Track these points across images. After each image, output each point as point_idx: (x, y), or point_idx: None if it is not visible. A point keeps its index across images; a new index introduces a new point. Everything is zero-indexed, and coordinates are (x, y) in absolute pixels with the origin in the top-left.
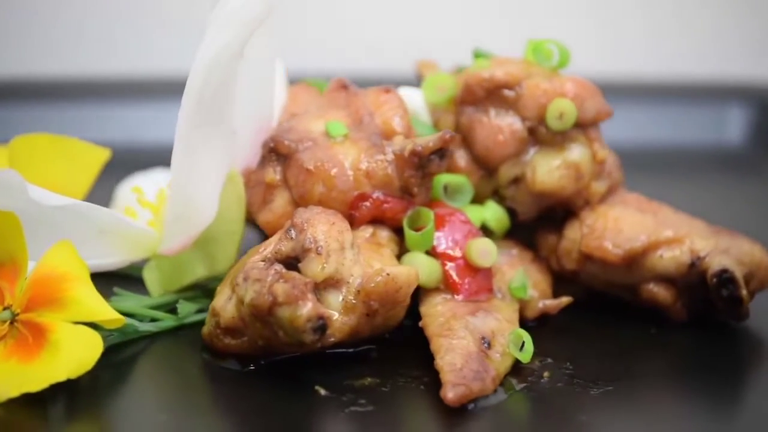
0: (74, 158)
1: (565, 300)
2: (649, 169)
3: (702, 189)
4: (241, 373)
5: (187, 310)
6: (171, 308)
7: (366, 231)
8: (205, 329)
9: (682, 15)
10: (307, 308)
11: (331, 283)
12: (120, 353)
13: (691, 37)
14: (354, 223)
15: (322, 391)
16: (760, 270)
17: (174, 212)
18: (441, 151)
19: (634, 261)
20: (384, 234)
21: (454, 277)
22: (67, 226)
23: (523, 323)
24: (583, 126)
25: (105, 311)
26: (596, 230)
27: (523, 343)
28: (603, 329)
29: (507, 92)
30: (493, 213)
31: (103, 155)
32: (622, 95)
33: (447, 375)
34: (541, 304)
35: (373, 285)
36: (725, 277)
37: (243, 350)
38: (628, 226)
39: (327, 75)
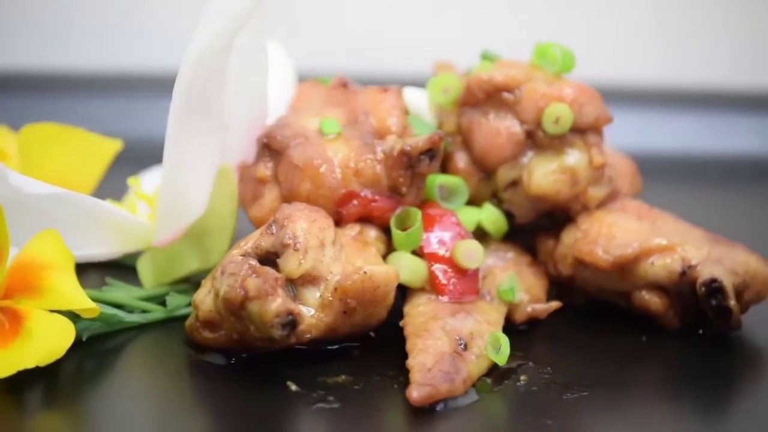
0: (84, 149)
1: (553, 305)
2: (688, 177)
3: (740, 199)
4: (220, 366)
5: (176, 302)
6: (162, 300)
7: (353, 229)
8: (188, 322)
9: (719, 21)
10: (276, 303)
11: (308, 279)
12: (106, 343)
13: (730, 44)
14: (342, 221)
15: (293, 387)
16: (756, 281)
17: (165, 204)
18: (431, 152)
19: (625, 268)
20: (371, 233)
21: (440, 277)
22: (55, 214)
23: (514, 327)
24: (582, 131)
25: (81, 300)
26: (589, 235)
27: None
28: (594, 336)
29: (506, 95)
30: (489, 215)
31: (113, 147)
32: (662, 102)
33: (415, 375)
34: (529, 308)
35: (350, 283)
36: (714, 287)
37: (220, 344)
38: (622, 232)
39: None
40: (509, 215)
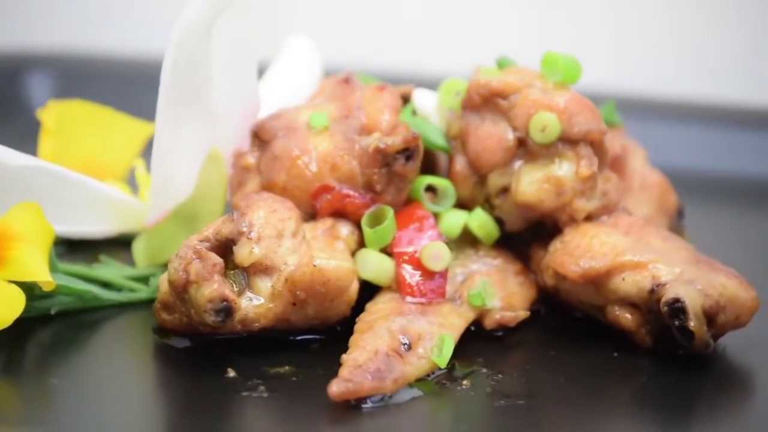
0: (114, 130)
1: (521, 314)
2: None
3: None
4: (176, 349)
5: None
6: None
7: (325, 224)
8: (155, 304)
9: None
10: (209, 289)
11: (260, 268)
12: (81, 318)
13: None
14: (316, 214)
15: (231, 373)
16: (733, 305)
17: (155, 185)
18: (407, 152)
19: (597, 282)
20: (344, 228)
21: (406, 277)
22: (40, 188)
23: (489, 333)
24: (572, 142)
25: (38, 273)
26: (568, 247)
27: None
28: (567, 348)
29: (501, 101)
30: (478, 220)
31: (146, 130)
32: (707, 119)
33: (343, 370)
34: (498, 315)
35: (299, 275)
36: (676, 307)
37: (176, 326)
38: (600, 246)
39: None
40: (501, 222)
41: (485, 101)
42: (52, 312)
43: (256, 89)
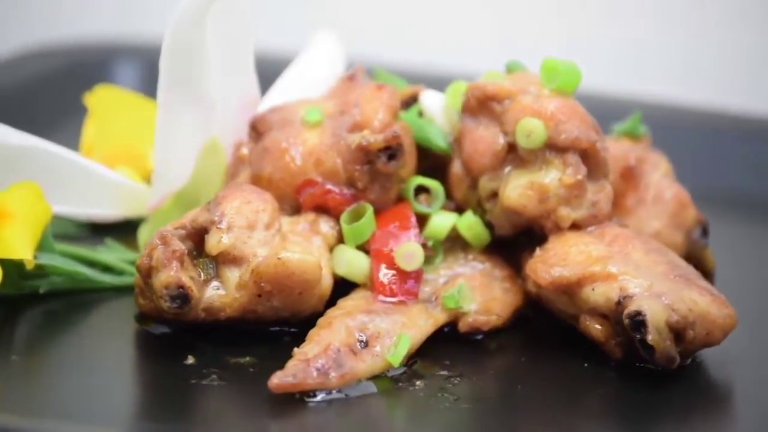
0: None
1: (494, 319)
2: None
3: None
4: (150, 335)
5: None
6: None
7: (307, 218)
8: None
9: None
10: (166, 275)
11: (230, 258)
12: (71, 299)
13: None
14: (300, 208)
15: (191, 360)
16: (703, 322)
17: (156, 170)
18: (390, 150)
19: (570, 290)
20: (326, 224)
21: (380, 276)
22: (42, 169)
23: (467, 337)
24: (560, 149)
25: (19, 251)
26: (546, 254)
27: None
28: (540, 355)
29: (495, 105)
30: (467, 223)
31: None
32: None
33: (290, 362)
34: (471, 319)
35: (264, 267)
36: (637, 320)
37: (148, 312)
38: (576, 255)
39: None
40: (492, 226)
41: (481, 105)
42: (41, 291)
43: (253, 80)
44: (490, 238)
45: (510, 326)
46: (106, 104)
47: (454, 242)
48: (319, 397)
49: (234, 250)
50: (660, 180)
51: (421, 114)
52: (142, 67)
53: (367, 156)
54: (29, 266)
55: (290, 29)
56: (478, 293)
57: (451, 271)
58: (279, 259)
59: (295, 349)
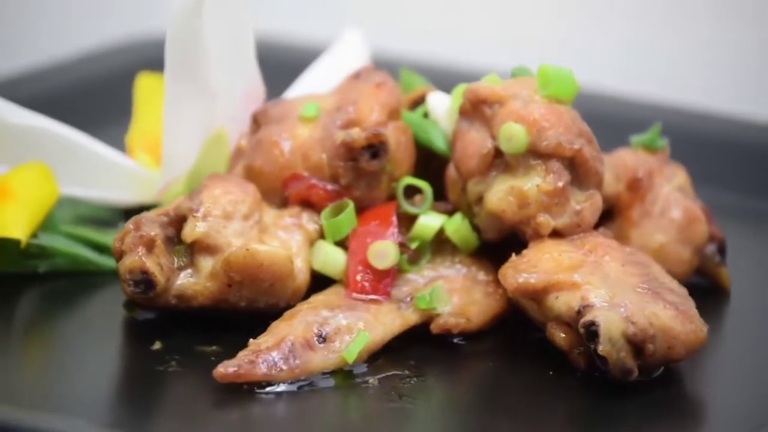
0: None
1: (462, 322)
2: None
3: None
4: (135, 321)
5: None
6: None
7: (292, 212)
8: None
9: None
10: (130, 259)
11: (204, 247)
12: (72, 279)
13: None
14: (287, 202)
15: (157, 345)
16: (664, 336)
17: (164, 157)
18: (373, 148)
19: (536, 297)
20: (310, 219)
21: (353, 273)
22: (50, 150)
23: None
24: (542, 156)
25: (11, 229)
26: (519, 260)
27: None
28: (510, 361)
29: (486, 109)
30: (454, 225)
31: None
32: None
33: (242, 352)
34: (441, 321)
35: (233, 257)
36: (591, 330)
37: (128, 296)
38: (547, 262)
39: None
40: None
41: (474, 108)
42: (39, 271)
43: (255, 71)
44: (478, 242)
45: (490, 331)
46: (152, 92)
47: (445, 245)
48: (270, 389)
49: (208, 238)
50: (670, 193)
51: (426, 115)
52: None
53: (350, 153)
54: (22, 245)
55: (322, 21)
56: (457, 296)
57: (435, 273)
58: (248, 250)
59: (251, 340)
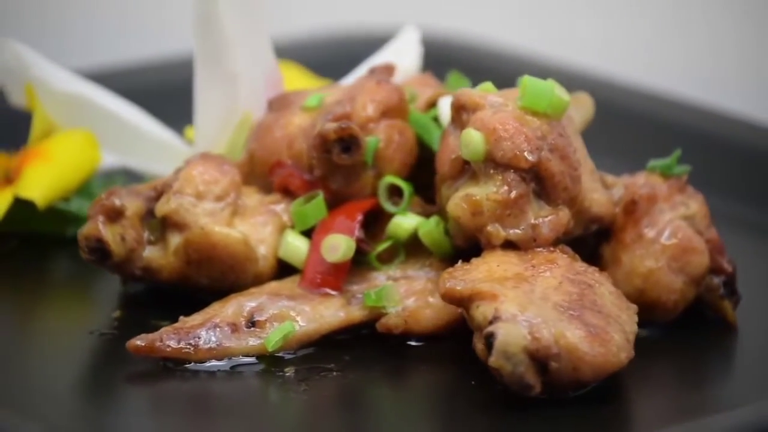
0: None
1: (403, 324)
2: None
3: None
4: (125, 293)
5: None
6: None
7: (272, 198)
8: None
9: None
10: (87, 227)
11: (172, 222)
12: None
13: None
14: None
15: (117, 313)
16: (570, 356)
17: (196, 138)
18: (344, 142)
19: (462, 305)
20: (284, 207)
21: (309, 263)
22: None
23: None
24: (500, 166)
25: (34, 191)
26: (461, 267)
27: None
28: (445, 368)
29: (464, 115)
30: (425, 228)
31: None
32: None
33: (165, 328)
34: (384, 320)
35: (191, 235)
36: (489, 342)
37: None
38: (479, 272)
39: None
40: None
41: (456, 113)
42: (66, 235)
43: (272, 58)
44: (450, 248)
45: (454, 338)
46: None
47: (423, 248)
48: (199, 367)
49: (177, 215)
50: (672, 221)
51: (435, 118)
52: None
53: (324, 145)
54: (41, 208)
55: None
56: (414, 298)
57: (400, 273)
58: (202, 230)
59: (181, 317)
